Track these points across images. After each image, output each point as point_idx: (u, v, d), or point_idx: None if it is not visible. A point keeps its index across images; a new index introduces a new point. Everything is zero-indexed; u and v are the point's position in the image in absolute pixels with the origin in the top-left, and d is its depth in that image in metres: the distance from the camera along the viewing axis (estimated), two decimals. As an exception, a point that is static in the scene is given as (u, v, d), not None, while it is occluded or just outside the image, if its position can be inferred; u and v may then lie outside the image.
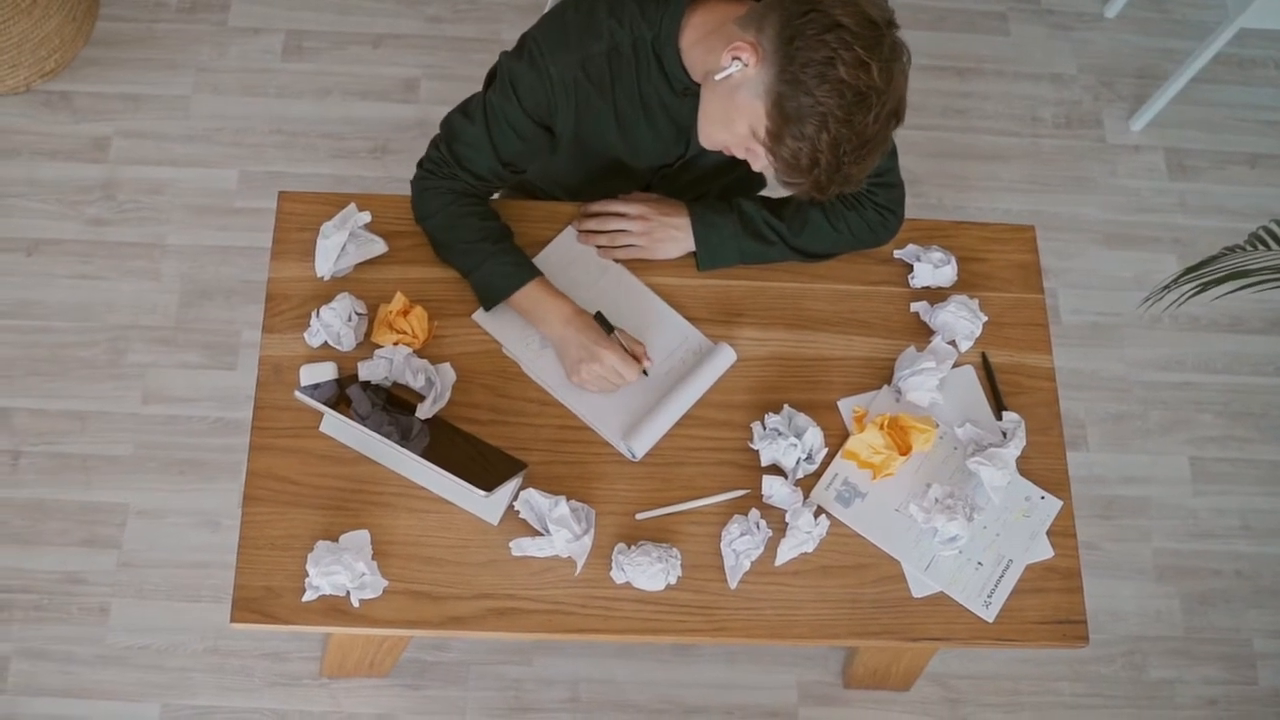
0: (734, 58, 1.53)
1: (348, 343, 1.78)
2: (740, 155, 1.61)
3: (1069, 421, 2.64)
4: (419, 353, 1.80)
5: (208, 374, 2.54)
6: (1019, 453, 1.79)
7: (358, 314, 1.79)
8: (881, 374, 1.86)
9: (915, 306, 1.89)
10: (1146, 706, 2.44)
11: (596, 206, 1.89)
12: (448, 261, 1.83)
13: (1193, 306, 2.79)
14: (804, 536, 1.72)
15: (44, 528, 2.40)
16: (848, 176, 1.54)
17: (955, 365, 1.88)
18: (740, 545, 1.71)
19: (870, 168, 1.55)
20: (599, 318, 1.78)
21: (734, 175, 1.92)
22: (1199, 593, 2.54)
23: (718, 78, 1.55)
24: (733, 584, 1.72)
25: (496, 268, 1.78)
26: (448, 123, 1.78)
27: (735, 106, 1.55)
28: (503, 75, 1.71)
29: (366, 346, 1.80)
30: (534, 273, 1.79)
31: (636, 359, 1.77)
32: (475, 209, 1.80)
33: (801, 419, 1.78)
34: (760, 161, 1.59)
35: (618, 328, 1.80)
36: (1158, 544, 2.57)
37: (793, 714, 2.37)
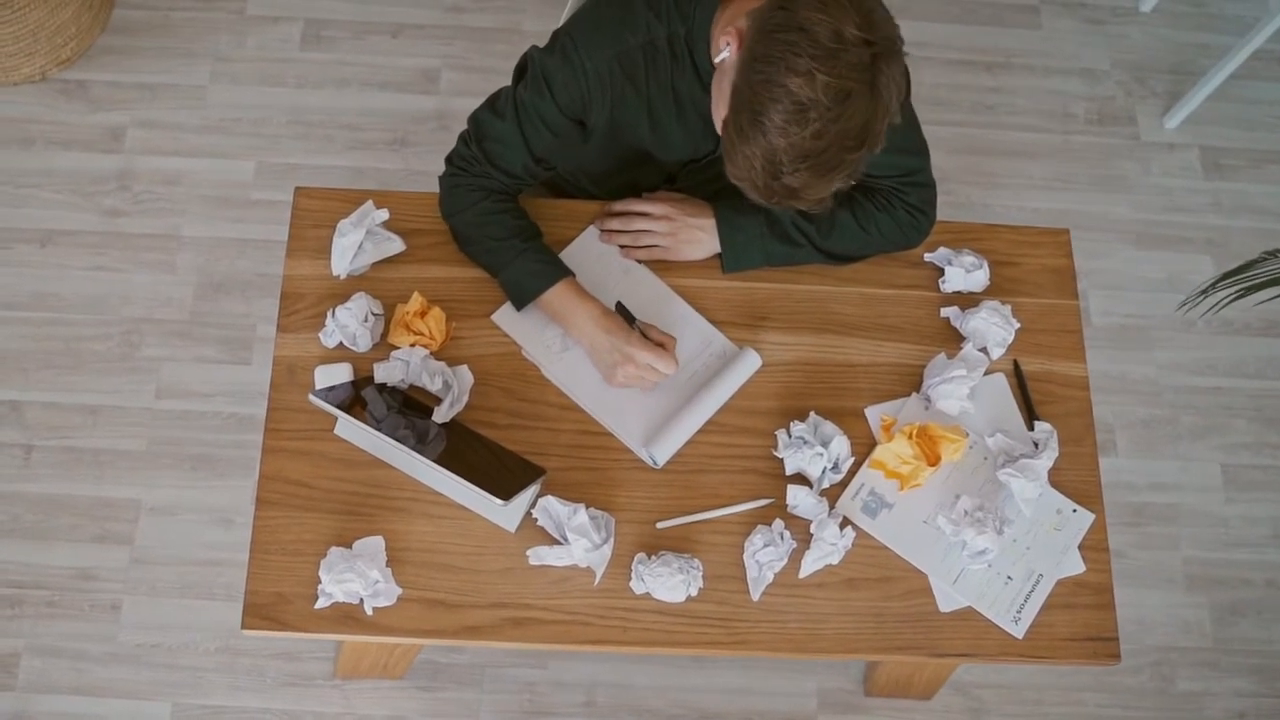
0: (726, 42, 1.49)
1: (364, 344, 1.74)
2: None
3: (1098, 426, 2.59)
4: (436, 355, 1.76)
5: (222, 368, 2.51)
6: (1051, 464, 1.74)
7: (374, 314, 1.75)
8: (910, 381, 1.82)
9: (946, 312, 1.85)
10: (1175, 718, 2.39)
11: (620, 206, 1.85)
12: (475, 260, 1.78)
13: (1226, 310, 2.73)
14: (829, 548, 1.68)
15: (56, 523, 2.37)
16: (791, 189, 1.45)
17: (986, 373, 1.83)
18: (763, 556, 1.67)
19: (825, 186, 1.45)
20: (620, 308, 1.74)
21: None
22: (1229, 603, 2.49)
23: (716, 60, 1.53)
24: (755, 596, 1.67)
25: (526, 266, 1.74)
26: (476, 120, 1.74)
27: (721, 92, 1.52)
28: (535, 71, 1.67)
29: (383, 348, 1.76)
30: (564, 272, 1.75)
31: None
32: (506, 206, 1.76)
33: (828, 427, 1.74)
34: None
35: (640, 321, 1.76)
36: (1187, 552, 2.52)
37: (813, 722, 2.34)
